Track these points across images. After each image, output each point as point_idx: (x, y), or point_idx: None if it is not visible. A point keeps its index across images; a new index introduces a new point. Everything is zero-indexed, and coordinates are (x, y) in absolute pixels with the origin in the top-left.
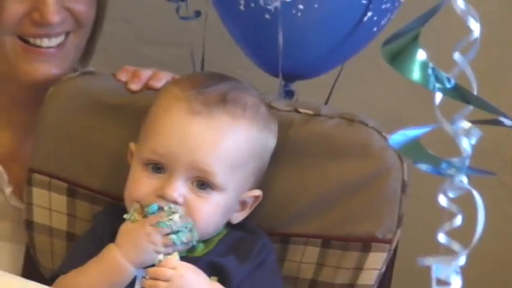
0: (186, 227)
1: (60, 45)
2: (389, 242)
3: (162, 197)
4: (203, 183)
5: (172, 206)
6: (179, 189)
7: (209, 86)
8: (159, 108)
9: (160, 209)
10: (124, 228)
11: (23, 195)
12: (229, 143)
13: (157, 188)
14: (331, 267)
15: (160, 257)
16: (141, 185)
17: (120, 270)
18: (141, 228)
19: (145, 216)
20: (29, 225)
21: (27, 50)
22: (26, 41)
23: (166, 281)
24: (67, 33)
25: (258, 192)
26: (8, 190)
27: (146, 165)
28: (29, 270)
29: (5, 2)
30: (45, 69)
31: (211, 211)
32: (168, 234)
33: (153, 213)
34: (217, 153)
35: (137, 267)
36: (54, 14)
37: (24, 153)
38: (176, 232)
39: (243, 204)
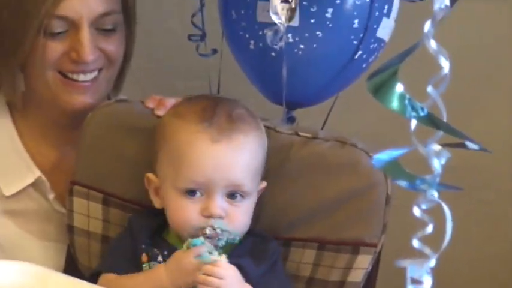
0: (227, 240)
1: (93, 80)
2: (375, 245)
3: (208, 216)
4: (233, 194)
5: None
6: (221, 205)
7: (212, 115)
8: (180, 143)
9: (204, 235)
10: (175, 255)
11: (65, 203)
12: (249, 156)
13: (202, 209)
14: (325, 266)
15: (215, 257)
16: (187, 210)
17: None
18: (187, 259)
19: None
20: (70, 229)
21: (66, 83)
22: (65, 76)
23: (219, 278)
24: (100, 69)
25: (264, 184)
26: (51, 196)
27: (184, 193)
28: (70, 267)
29: (48, 43)
30: (82, 99)
31: (246, 215)
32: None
33: (195, 245)
34: (243, 168)
35: None
36: (88, 54)
37: (65, 165)
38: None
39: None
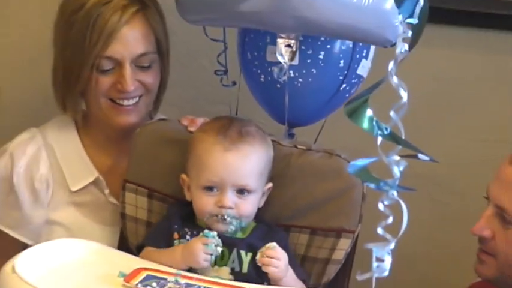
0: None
1: (135, 104)
2: (353, 232)
3: (221, 206)
4: (242, 190)
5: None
6: (231, 199)
7: (226, 130)
8: (202, 151)
9: (217, 216)
10: (192, 239)
11: (117, 196)
12: (253, 163)
13: (217, 202)
14: (315, 247)
15: (273, 244)
16: (206, 202)
17: (177, 263)
18: (197, 244)
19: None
20: (123, 216)
21: (114, 107)
22: (113, 101)
23: (278, 259)
24: (140, 96)
25: (270, 185)
26: (107, 191)
27: (204, 189)
28: (122, 245)
29: (99, 77)
30: (126, 119)
31: (251, 206)
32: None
33: (206, 236)
34: (248, 172)
35: (186, 265)
36: (130, 86)
37: (116, 168)
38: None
39: (263, 194)
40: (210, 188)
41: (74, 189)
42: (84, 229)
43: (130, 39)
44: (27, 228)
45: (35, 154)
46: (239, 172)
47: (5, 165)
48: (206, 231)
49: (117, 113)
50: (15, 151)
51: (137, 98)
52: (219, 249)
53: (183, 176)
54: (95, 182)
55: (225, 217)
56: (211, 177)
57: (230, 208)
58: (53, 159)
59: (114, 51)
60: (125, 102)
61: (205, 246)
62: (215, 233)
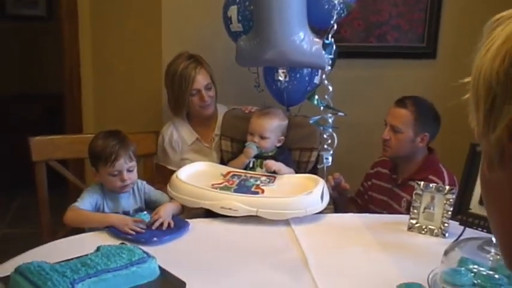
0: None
1: (209, 104)
2: (317, 148)
3: (254, 141)
4: (262, 137)
5: None
6: (257, 140)
7: (262, 110)
8: (252, 117)
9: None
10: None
11: (208, 144)
12: (271, 124)
13: (252, 139)
14: (302, 156)
15: (266, 161)
16: (250, 139)
17: None
18: (246, 148)
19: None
20: (218, 150)
21: (201, 106)
22: (200, 105)
23: (273, 165)
24: (211, 101)
25: (282, 137)
26: (202, 142)
27: (250, 134)
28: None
29: (192, 98)
30: (206, 111)
31: (268, 144)
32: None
33: (249, 146)
34: (268, 129)
35: None
36: (207, 99)
37: (206, 133)
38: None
39: (279, 141)
40: (252, 134)
41: (189, 143)
42: (196, 159)
43: (201, 80)
44: (173, 163)
45: (170, 132)
46: (262, 128)
47: (160, 139)
48: (250, 143)
49: (203, 109)
50: (163, 132)
51: (210, 101)
52: (255, 149)
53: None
54: (197, 139)
55: (254, 146)
56: (252, 130)
57: (255, 143)
58: (179, 132)
59: (196, 84)
60: (204, 104)
61: (250, 148)
62: (255, 145)
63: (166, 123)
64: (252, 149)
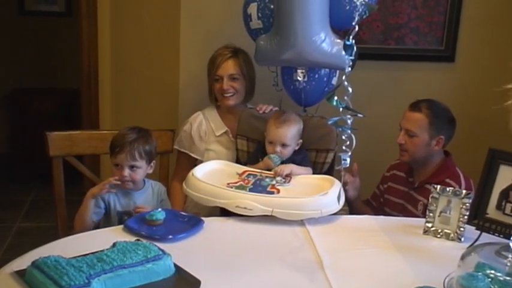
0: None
1: (232, 96)
2: (334, 150)
3: (275, 152)
4: (284, 145)
5: None
6: (279, 149)
7: (279, 116)
8: (269, 125)
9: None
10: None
11: (234, 139)
12: (290, 132)
13: (274, 149)
14: (318, 157)
15: (278, 163)
16: (269, 148)
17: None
18: (266, 160)
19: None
20: (235, 149)
21: (223, 97)
22: (222, 94)
23: (288, 169)
24: (234, 93)
25: (300, 141)
26: (230, 136)
27: (269, 143)
28: (237, 160)
29: (215, 84)
30: (229, 102)
31: (288, 152)
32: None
33: (273, 157)
34: (287, 137)
35: None
36: (228, 88)
37: (233, 126)
38: None
39: (297, 145)
40: (271, 143)
41: (217, 134)
42: (220, 151)
43: (226, 67)
44: (197, 151)
45: (200, 121)
46: (283, 137)
47: (187, 127)
48: (272, 155)
49: (223, 98)
50: (191, 120)
51: (232, 93)
52: (279, 162)
53: (265, 133)
54: (225, 132)
55: (274, 157)
56: (270, 139)
57: (277, 153)
58: (208, 122)
59: (220, 71)
60: (227, 95)
61: (273, 161)
62: (277, 156)
63: (183, 120)
64: (274, 163)
